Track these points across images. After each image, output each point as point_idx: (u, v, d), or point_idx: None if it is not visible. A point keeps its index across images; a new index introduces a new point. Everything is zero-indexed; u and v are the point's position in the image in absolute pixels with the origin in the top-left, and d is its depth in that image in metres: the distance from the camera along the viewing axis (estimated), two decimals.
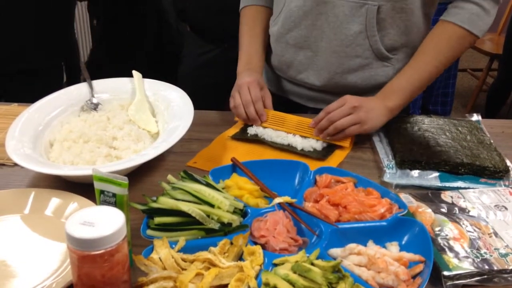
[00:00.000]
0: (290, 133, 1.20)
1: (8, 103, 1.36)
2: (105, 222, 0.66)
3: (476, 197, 0.97)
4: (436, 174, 1.06)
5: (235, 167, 1.02)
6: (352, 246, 0.82)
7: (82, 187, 0.93)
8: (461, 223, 0.89)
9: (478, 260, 0.80)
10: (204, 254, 0.78)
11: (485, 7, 1.18)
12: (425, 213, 0.91)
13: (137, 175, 1.05)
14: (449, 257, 0.81)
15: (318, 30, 1.24)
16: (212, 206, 0.84)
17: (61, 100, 1.20)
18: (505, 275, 0.79)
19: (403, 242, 0.85)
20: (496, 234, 0.87)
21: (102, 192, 0.75)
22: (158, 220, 0.83)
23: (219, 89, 2.04)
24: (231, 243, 0.80)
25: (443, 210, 0.93)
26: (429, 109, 3.21)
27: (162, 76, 1.32)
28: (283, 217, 0.87)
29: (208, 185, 0.89)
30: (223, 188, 0.94)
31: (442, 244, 0.84)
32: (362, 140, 1.19)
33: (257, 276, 0.75)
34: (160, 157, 1.04)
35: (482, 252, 0.82)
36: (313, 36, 1.26)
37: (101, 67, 2.41)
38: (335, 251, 0.82)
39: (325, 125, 1.15)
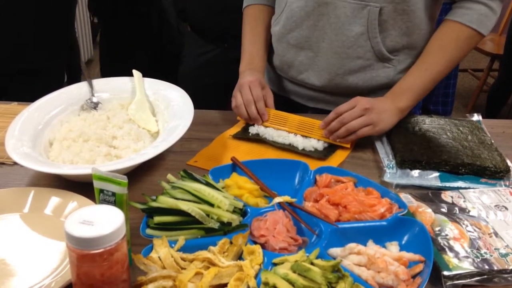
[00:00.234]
0: (291, 132, 1.20)
1: (8, 102, 1.36)
2: (104, 221, 0.66)
3: (476, 197, 0.97)
4: (437, 174, 1.06)
5: (235, 167, 1.02)
6: (352, 245, 0.82)
7: (82, 186, 0.93)
8: (461, 223, 0.89)
9: (478, 260, 0.80)
10: (203, 254, 0.78)
11: (492, 7, 1.18)
12: (425, 213, 0.91)
13: (137, 174, 1.05)
14: (449, 257, 0.81)
15: (320, 31, 1.24)
16: (211, 205, 0.84)
17: (61, 99, 1.20)
18: (505, 275, 0.79)
19: (403, 242, 0.85)
20: (496, 234, 0.87)
21: (101, 191, 0.75)
22: (157, 219, 0.83)
23: (219, 89, 2.04)
24: (231, 243, 0.80)
25: (443, 210, 0.93)
26: (430, 109, 3.21)
27: (162, 76, 1.32)
28: (282, 217, 0.87)
29: (208, 184, 0.89)
30: (223, 188, 0.94)
31: (442, 244, 0.83)
32: (362, 140, 1.19)
33: (256, 276, 0.75)
34: (160, 156, 1.03)
35: (482, 252, 0.82)
36: (314, 37, 1.26)
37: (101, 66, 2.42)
38: (334, 251, 0.82)
39: (336, 126, 1.14)
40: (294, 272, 0.73)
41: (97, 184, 0.75)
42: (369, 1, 1.17)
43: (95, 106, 1.21)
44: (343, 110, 1.15)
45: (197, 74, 2.03)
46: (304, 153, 1.15)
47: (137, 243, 0.81)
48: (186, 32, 2.25)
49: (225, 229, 0.83)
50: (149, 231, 0.83)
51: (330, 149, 1.17)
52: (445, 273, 0.78)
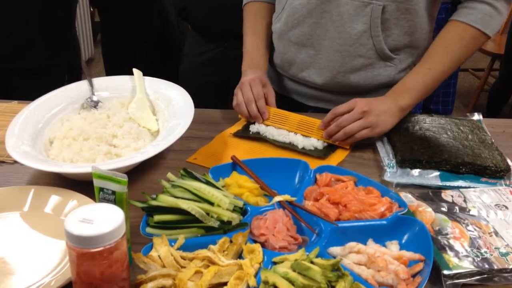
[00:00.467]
0: (292, 131, 1.20)
1: (8, 101, 1.36)
2: (104, 220, 0.66)
3: (476, 196, 0.97)
4: (437, 173, 1.06)
5: (235, 165, 1.02)
6: (352, 244, 0.82)
7: (82, 185, 0.93)
8: (462, 222, 0.89)
9: (478, 259, 0.80)
10: (203, 252, 0.78)
11: (497, 8, 1.17)
12: (425, 212, 0.91)
13: (137, 173, 1.05)
14: (449, 256, 0.80)
15: (322, 28, 1.24)
16: (211, 204, 0.84)
17: (61, 98, 1.20)
18: (505, 274, 0.79)
19: (403, 241, 0.85)
20: (496, 233, 0.87)
21: (101, 189, 0.75)
22: (157, 218, 0.83)
23: (220, 88, 2.04)
24: (231, 241, 0.80)
25: (443, 209, 0.93)
26: (430, 108, 3.21)
27: (162, 75, 1.32)
28: (283, 216, 0.86)
29: (208, 183, 0.89)
30: (223, 186, 0.94)
31: (442, 243, 0.83)
32: (362, 139, 1.19)
33: (256, 274, 0.75)
34: (160, 155, 1.04)
35: (482, 251, 0.82)
36: (316, 34, 1.25)
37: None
38: (334, 250, 0.82)
39: (334, 130, 1.14)
40: (294, 271, 0.73)
41: (97, 183, 0.75)
42: None
43: (95, 104, 1.21)
44: (341, 111, 1.14)
45: (198, 73, 2.04)
46: (304, 152, 1.15)
47: (137, 241, 0.81)
48: (187, 31, 2.25)
49: (225, 227, 0.83)
50: (149, 230, 0.83)
51: (330, 148, 1.16)
52: (445, 272, 0.78)
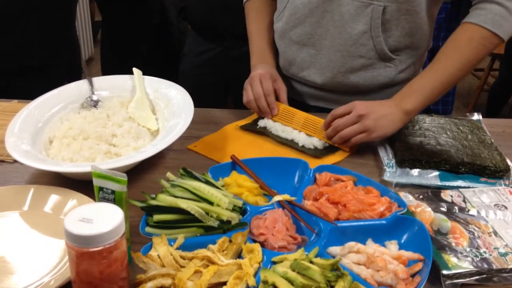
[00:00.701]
0: (296, 129, 1.21)
1: (8, 100, 1.36)
2: (103, 219, 0.66)
3: (476, 196, 0.97)
4: (436, 173, 1.06)
5: (235, 165, 1.02)
6: (351, 244, 0.82)
7: (81, 184, 0.93)
8: (461, 222, 0.89)
9: (478, 259, 0.80)
10: (202, 252, 0.78)
11: (509, 8, 1.12)
12: (424, 212, 0.91)
13: (137, 172, 1.05)
14: (449, 256, 0.81)
15: (323, 28, 1.24)
16: (211, 203, 0.84)
17: (61, 97, 1.20)
18: (504, 274, 0.79)
19: (403, 241, 0.85)
20: (495, 233, 0.87)
21: (101, 189, 0.75)
22: (157, 217, 0.83)
23: (219, 88, 2.04)
24: (230, 241, 0.80)
25: (442, 209, 0.93)
26: (430, 108, 3.20)
27: (162, 74, 1.32)
28: (282, 215, 0.87)
29: (207, 182, 0.89)
30: (222, 186, 0.94)
31: (441, 243, 0.83)
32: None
33: (255, 274, 0.75)
34: (160, 154, 1.04)
35: (481, 251, 0.82)
36: (317, 34, 1.25)
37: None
38: (334, 249, 0.82)
39: (331, 134, 1.14)
40: (293, 270, 0.74)
41: (96, 182, 0.75)
42: (373, 0, 1.17)
43: (95, 104, 1.21)
44: (339, 114, 1.14)
45: (197, 73, 2.03)
46: (302, 149, 1.15)
47: (137, 241, 0.81)
48: (187, 31, 2.25)
49: (225, 227, 0.83)
50: (148, 229, 0.83)
51: (330, 149, 1.16)
52: (444, 272, 0.78)
